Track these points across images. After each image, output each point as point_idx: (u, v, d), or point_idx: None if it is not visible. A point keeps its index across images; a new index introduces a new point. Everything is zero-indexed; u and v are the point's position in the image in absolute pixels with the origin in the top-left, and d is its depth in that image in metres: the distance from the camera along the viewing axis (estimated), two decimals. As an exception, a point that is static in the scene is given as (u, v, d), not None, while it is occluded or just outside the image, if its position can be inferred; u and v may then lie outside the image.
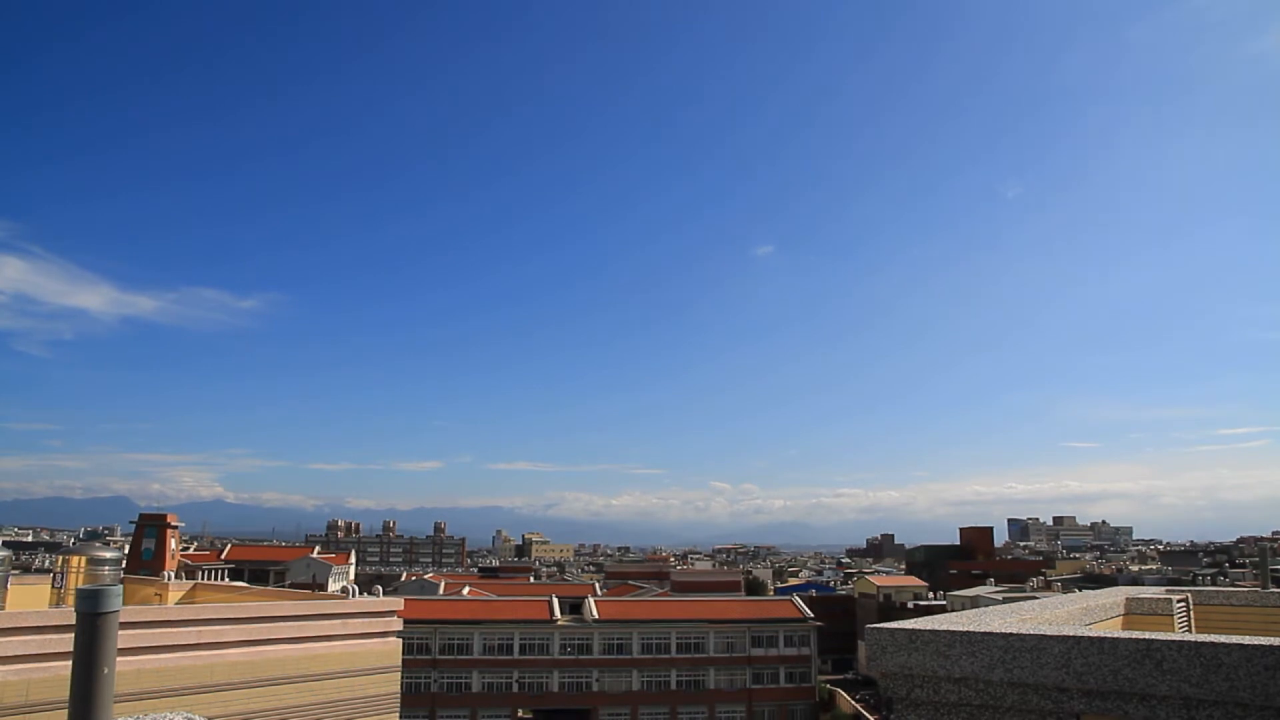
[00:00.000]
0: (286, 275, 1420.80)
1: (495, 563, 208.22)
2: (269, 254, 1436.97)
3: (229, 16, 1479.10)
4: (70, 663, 4.01)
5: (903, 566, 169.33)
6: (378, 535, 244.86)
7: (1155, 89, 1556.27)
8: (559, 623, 73.55)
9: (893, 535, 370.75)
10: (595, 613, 74.92)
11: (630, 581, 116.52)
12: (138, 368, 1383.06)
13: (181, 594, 20.10)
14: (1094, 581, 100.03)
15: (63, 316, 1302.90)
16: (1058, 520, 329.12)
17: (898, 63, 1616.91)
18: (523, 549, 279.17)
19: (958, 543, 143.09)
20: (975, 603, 78.06)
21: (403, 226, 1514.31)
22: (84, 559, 17.21)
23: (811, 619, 77.28)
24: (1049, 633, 3.89)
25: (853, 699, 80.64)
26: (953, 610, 8.14)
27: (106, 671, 3.84)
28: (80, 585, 14.68)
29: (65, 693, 3.98)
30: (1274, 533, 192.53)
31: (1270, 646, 3.36)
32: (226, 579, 75.52)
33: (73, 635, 4.06)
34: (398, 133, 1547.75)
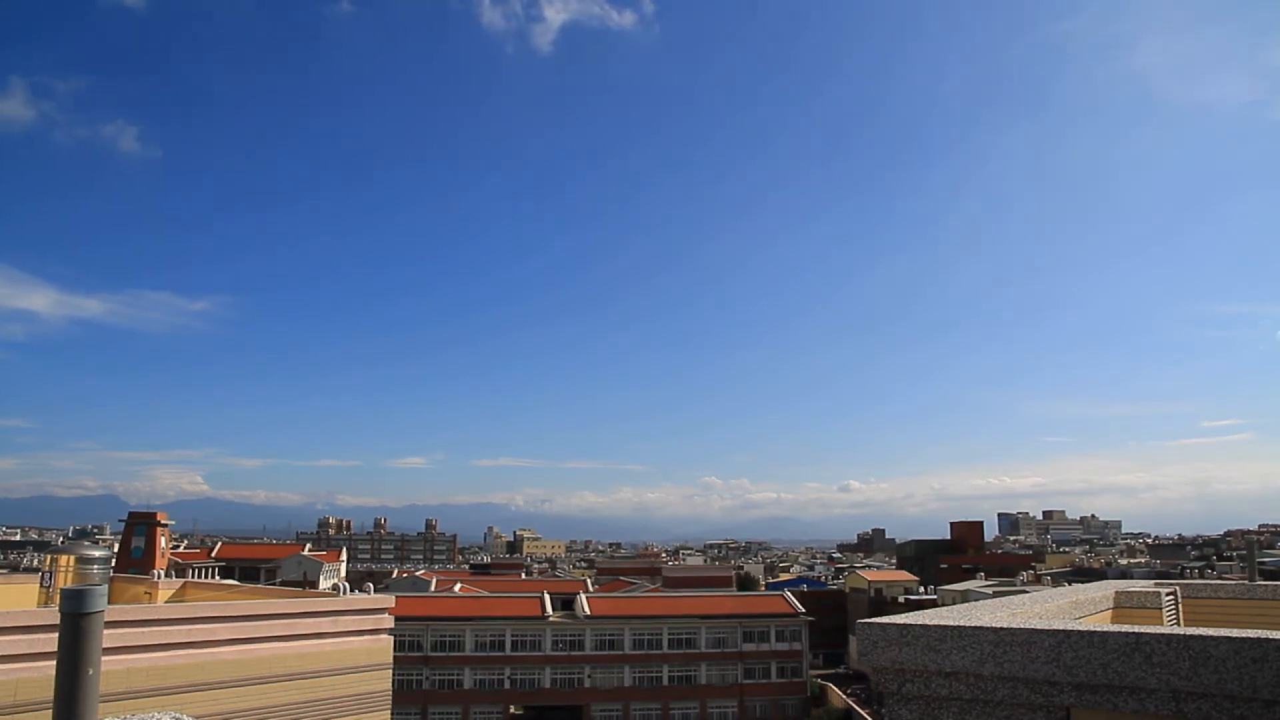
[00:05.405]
0: (240, 278, 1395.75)
1: (487, 559, 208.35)
2: (218, 258, 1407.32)
3: (181, 15, 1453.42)
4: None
5: (893, 561, 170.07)
6: (369, 532, 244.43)
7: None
8: (551, 619, 73.59)
9: (883, 530, 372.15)
10: (587, 609, 74.98)
11: (622, 577, 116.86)
12: (105, 367, 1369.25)
13: (171, 592, 20.04)
14: (1083, 575, 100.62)
15: (14, 319, 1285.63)
16: (1047, 514, 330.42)
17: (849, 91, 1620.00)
18: (514, 545, 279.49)
19: (948, 537, 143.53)
20: (966, 597, 78.53)
21: (385, 227, 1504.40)
22: (73, 558, 17.11)
23: (803, 614, 77.50)
24: (1039, 626, 3.91)
25: (844, 694, 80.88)
26: (943, 605, 8.16)
27: (91, 673, 3.80)
28: (68, 585, 14.59)
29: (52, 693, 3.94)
30: (1261, 526, 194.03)
31: (1258, 639, 3.38)
32: (217, 577, 75.36)
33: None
34: (374, 127, 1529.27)
